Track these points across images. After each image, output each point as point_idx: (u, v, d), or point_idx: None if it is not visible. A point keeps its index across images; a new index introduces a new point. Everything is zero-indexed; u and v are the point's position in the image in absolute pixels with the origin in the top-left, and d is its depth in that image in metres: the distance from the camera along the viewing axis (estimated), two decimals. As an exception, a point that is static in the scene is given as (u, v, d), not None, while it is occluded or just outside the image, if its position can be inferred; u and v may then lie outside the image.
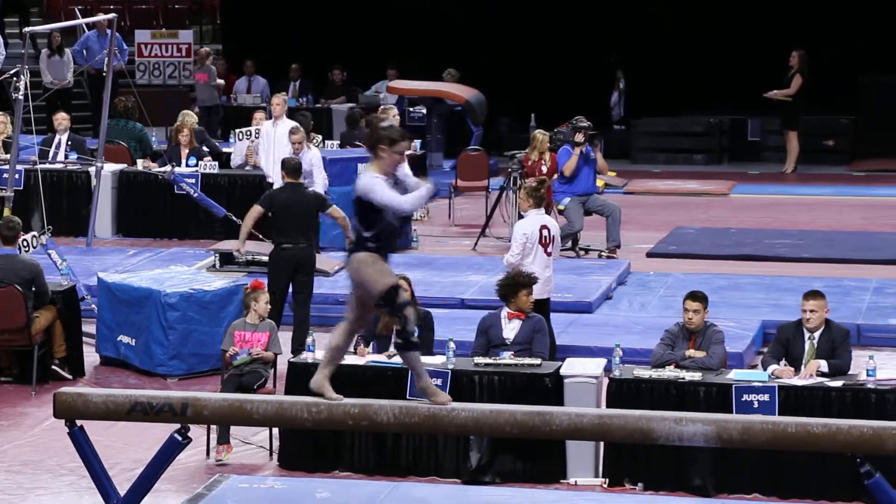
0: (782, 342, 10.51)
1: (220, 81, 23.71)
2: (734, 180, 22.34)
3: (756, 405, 9.83)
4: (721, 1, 24.82)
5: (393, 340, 7.85)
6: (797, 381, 10.06)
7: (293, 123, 16.56)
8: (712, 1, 24.81)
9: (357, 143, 19.10)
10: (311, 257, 12.85)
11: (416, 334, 7.72)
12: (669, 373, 10.22)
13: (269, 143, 16.56)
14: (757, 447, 7.66)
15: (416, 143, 19.19)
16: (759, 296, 14.49)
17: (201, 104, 22.95)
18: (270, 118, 16.99)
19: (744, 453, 9.67)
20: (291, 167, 13.12)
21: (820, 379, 10.10)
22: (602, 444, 10.08)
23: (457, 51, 23.64)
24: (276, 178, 15.24)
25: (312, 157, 15.53)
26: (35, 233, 13.19)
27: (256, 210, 12.91)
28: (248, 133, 17.51)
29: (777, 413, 9.71)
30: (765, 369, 10.35)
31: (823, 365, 10.22)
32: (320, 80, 24.42)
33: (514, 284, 10.99)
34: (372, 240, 7.64)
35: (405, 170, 7.87)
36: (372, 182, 7.62)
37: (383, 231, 7.68)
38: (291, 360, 10.69)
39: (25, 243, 12.73)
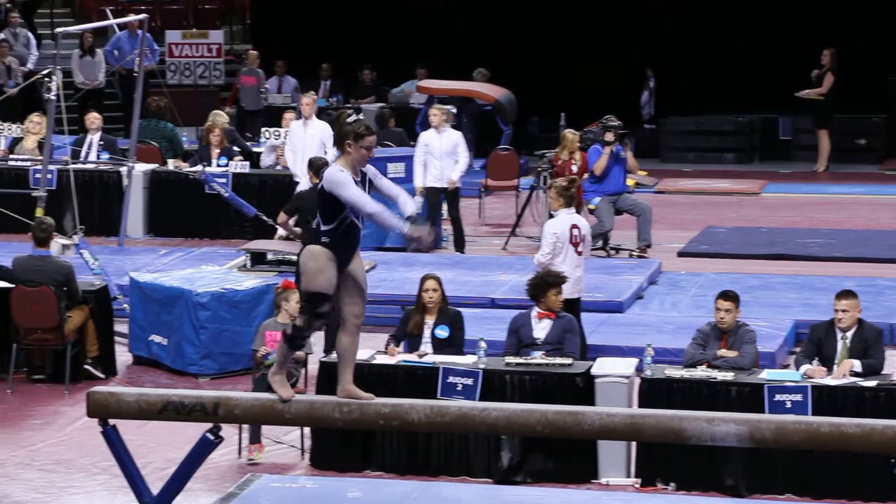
0: (815, 342, 10.47)
1: (268, 86, 23.73)
2: (765, 179, 22.27)
3: (789, 405, 9.79)
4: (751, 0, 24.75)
5: (286, 332, 7.79)
6: (830, 381, 10.03)
7: (323, 123, 16.59)
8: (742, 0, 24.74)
9: (387, 142, 19.10)
10: None
11: (305, 341, 7.73)
12: (701, 373, 10.19)
13: (298, 142, 16.59)
14: (790, 447, 7.64)
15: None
16: (791, 295, 14.45)
17: (245, 107, 22.93)
18: (300, 118, 17.00)
19: (777, 453, 9.64)
20: (318, 167, 13.14)
21: (853, 379, 10.06)
22: (634, 444, 10.06)
23: (487, 50, 23.62)
24: (303, 178, 15.28)
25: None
26: (67, 241, 13.24)
27: (283, 217, 12.95)
28: (278, 134, 17.53)
29: (810, 413, 9.67)
30: (797, 369, 10.31)
31: (857, 365, 10.18)
32: (350, 79, 24.44)
33: (543, 284, 10.98)
34: (327, 234, 7.50)
35: (381, 179, 7.75)
36: (339, 176, 7.47)
37: (342, 227, 7.51)
38: (323, 359, 10.70)
39: (64, 248, 12.84)
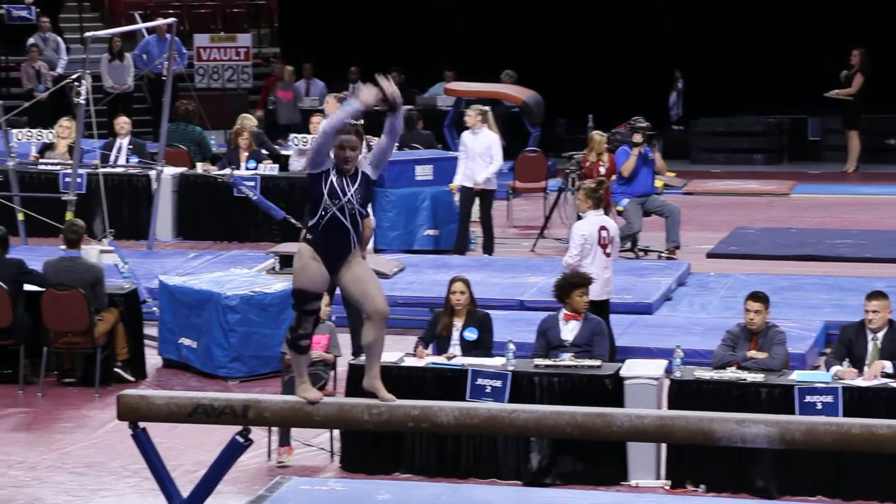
0: (845, 343, 10.43)
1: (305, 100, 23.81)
2: (795, 180, 22.20)
3: (819, 406, 9.75)
4: (780, 0, 24.67)
5: (284, 336, 7.79)
6: (861, 382, 9.99)
7: None
8: (771, 0, 24.66)
9: (415, 144, 19.12)
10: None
11: (305, 339, 7.63)
12: (731, 374, 10.16)
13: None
14: (821, 449, 7.62)
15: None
16: (821, 296, 14.40)
17: (280, 122, 22.93)
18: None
19: (807, 455, 9.60)
20: None
21: (884, 380, 10.02)
22: (664, 445, 10.04)
23: (514, 52, 23.61)
24: None
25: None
26: (105, 247, 13.29)
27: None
28: (306, 140, 17.49)
29: (841, 415, 9.63)
30: (828, 370, 10.27)
31: (888, 366, 10.13)
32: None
33: (567, 285, 10.97)
34: (310, 230, 7.51)
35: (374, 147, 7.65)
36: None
37: (322, 223, 7.46)
38: (352, 362, 10.71)
39: (101, 253, 12.92)
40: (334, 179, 7.46)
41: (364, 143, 7.64)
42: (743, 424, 7.33)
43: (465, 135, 16.80)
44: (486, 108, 17.18)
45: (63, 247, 13.07)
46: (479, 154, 16.50)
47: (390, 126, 7.43)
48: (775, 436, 7.31)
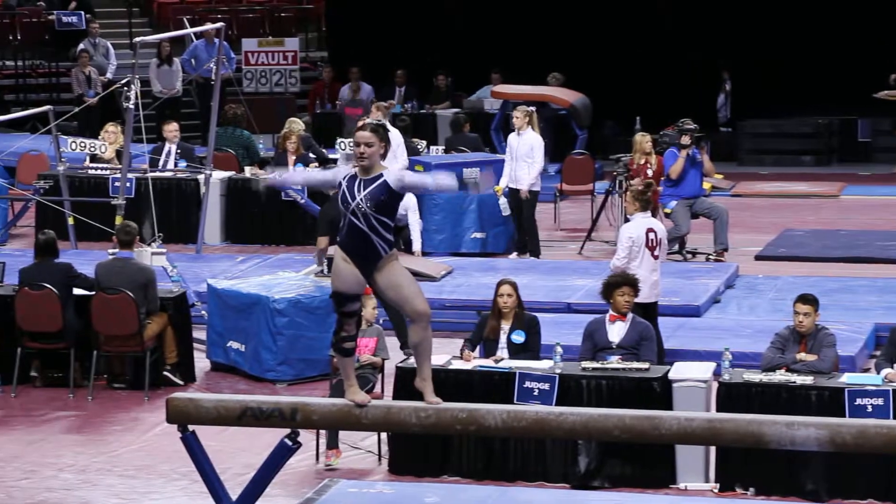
0: (895, 345, 10.36)
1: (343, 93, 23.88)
2: (844, 181, 22.07)
3: (870, 409, 9.69)
4: (828, 0, 24.54)
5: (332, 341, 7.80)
6: (911, 385, 9.92)
7: (395, 131, 16.59)
8: (819, 0, 24.54)
9: (462, 147, 19.12)
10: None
11: (348, 343, 7.62)
12: (780, 377, 10.11)
13: None
14: (871, 451, 7.56)
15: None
16: (870, 298, 14.31)
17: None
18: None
19: (858, 458, 9.54)
20: None
21: (934, 382, 9.94)
22: (712, 448, 10.00)
23: (562, 54, 23.57)
24: None
25: (408, 203, 15.76)
26: (157, 249, 13.38)
27: (323, 241, 13.06)
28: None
29: (892, 417, 9.57)
30: (878, 373, 10.21)
31: (938, 368, 10.06)
32: (425, 85, 24.48)
33: (608, 285, 10.97)
34: (340, 233, 7.57)
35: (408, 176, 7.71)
36: (337, 169, 7.64)
37: (345, 227, 7.48)
38: (399, 364, 10.72)
39: (153, 256, 13.02)
40: (345, 185, 7.49)
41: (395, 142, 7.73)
42: (793, 427, 7.29)
43: (511, 136, 16.85)
44: (532, 108, 17.16)
45: (112, 249, 13.16)
46: (523, 155, 16.50)
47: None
48: (825, 439, 7.27)
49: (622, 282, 10.95)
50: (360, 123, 7.66)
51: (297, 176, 8.35)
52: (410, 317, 7.62)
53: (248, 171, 18.04)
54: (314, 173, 7.63)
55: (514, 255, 16.73)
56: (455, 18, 25.34)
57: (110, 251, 13.28)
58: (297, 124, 18.18)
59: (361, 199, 7.41)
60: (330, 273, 7.57)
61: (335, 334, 7.66)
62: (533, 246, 16.73)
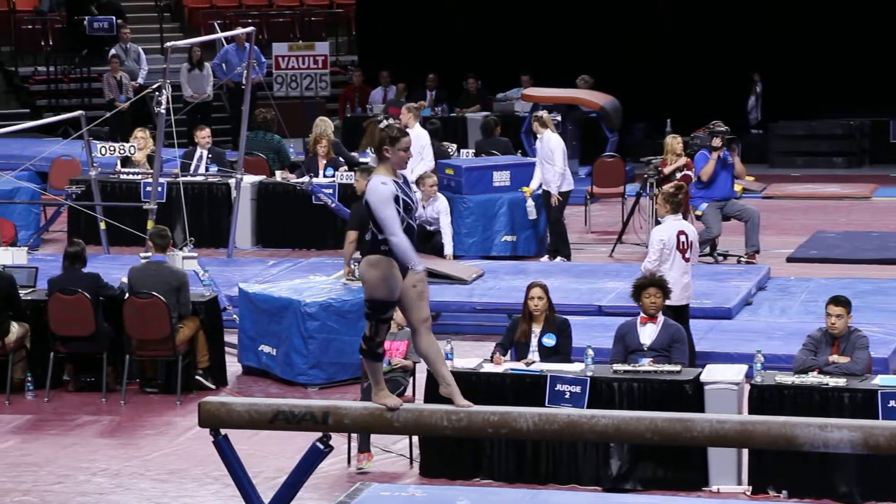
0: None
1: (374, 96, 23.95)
2: (876, 183, 21.99)
3: (902, 411, 9.65)
4: (859, 1, 24.44)
5: (360, 345, 7.75)
6: (944, 387, 9.87)
7: (420, 130, 16.59)
8: (849, 1, 24.44)
9: (493, 151, 19.11)
10: None
11: (381, 347, 7.66)
12: (813, 379, 10.08)
13: None
14: (904, 454, 7.53)
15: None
16: (903, 300, 14.25)
17: None
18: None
19: (891, 460, 9.50)
20: (365, 172, 13.49)
21: (968, 384, 9.89)
22: (745, 451, 9.97)
23: (592, 56, 23.54)
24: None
25: (440, 207, 15.82)
26: (189, 253, 13.42)
27: (352, 234, 13.05)
28: None
29: (924, 419, 9.52)
30: (911, 375, 10.17)
31: (972, 370, 10.02)
32: (455, 89, 24.48)
33: (636, 287, 10.96)
34: (385, 242, 7.49)
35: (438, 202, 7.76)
36: (381, 191, 7.45)
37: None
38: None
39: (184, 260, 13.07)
40: (401, 195, 7.49)
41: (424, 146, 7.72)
42: (826, 429, 7.27)
43: (536, 143, 16.94)
44: (542, 112, 17.23)
45: (144, 254, 13.22)
46: (545, 158, 16.56)
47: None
48: (859, 441, 7.24)
49: (648, 283, 10.94)
50: (398, 129, 7.60)
51: (397, 237, 7.45)
52: (414, 322, 7.60)
53: (279, 176, 18.07)
54: (393, 223, 7.35)
55: (544, 258, 16.72)
56: (484, 21, 25.33)
57: (143, 255, 13.34)
58: (326, 123, 18.19)
59: (415, 199, 7.59)
60: (369, 279, 7.51)
61: (370, 339, 7.65)
62: (563, 248, 16.71)
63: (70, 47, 25.11)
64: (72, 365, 12.59)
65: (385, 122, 7.66)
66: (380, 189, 7.46)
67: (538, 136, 16.73)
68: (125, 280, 12.58)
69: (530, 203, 16.94)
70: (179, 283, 12.35)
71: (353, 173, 17.70)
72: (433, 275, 14.64)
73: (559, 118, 21.72)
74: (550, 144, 16.56)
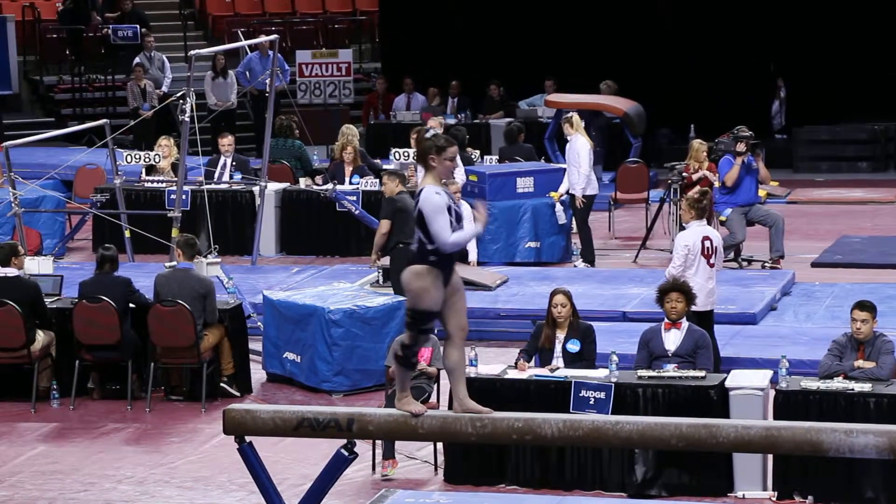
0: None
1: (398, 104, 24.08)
2: (901, 188, 21.93)
3: (929, 416, 9.62)
4: (883, 4, 24.37)
5: (394, 352, 7.73)
6: (971, 392, 9.83)
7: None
8: (873, 5, 24.37)
9: (516, 157, 19.11)
10: None
11: (416, 356, 7.66)
12: (838, 384, 10.05)
13: None
14: (931, 459, 7.49)
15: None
16: (929, 305, 14.19)
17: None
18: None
19: (917, 466, 9.47)
20: (399, 176, 14.02)
21: None
22: (770, 456, 9.95)
23: (615, 62, 23.53)
24: None
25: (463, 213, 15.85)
26: (213, 259, 13.46)
27: (385, 224, 13.34)
28: (407, 154, 17.49)
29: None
30: (937, 380, 10.12)
31: None
32: (478, 95, 24.49)
33: (659, 292, 10.94)
34: (433, 253, 7.46)
35: (463, 208, 7.77)
36: (435, 200, 7.44)
37: None
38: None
39: (208, 266, 13.11)
40: (452, 203, 7.50)
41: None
42: (851, 435, 7.24)
43: (566, 146, 16.99)
44: (571, 112, 17.26)
45: (169, 263, 13.25)
46: (571, 161, 16.63)
47: None
48: (885, 446, 7.21)
49: (670, 288, 10.92)
50: (445, 139, 7.58)
51: (462, 238, 7.52)
52: (452, 331, 7.57)
53: (303, 183, 18.09)
54: (449, 229, 7.53)
55: (579, 263, 16.71)
56: (507, 27, 25.33)
57: (168, 263, 13.38)
58: (353, 132, 18.21)
59: (461, 208, 7.57)
60: (414, 289, 7.48)
61: (406, 349, 7.64)
62: (587, 253, 16.70)
63: (95, 56, 25.20)
64: (97, 373, 12.63)
65: (431, 132, 7.67)
66: (434, 199, 7.45)
67: (567, 137, 16.78)
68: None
69: (559, 207, 16.96)
70: (206, 290, 12.38)
71: (377, 180, 17.75)
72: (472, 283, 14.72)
73: (583, 124, 21.73)
74: (577, 146, 16.58)
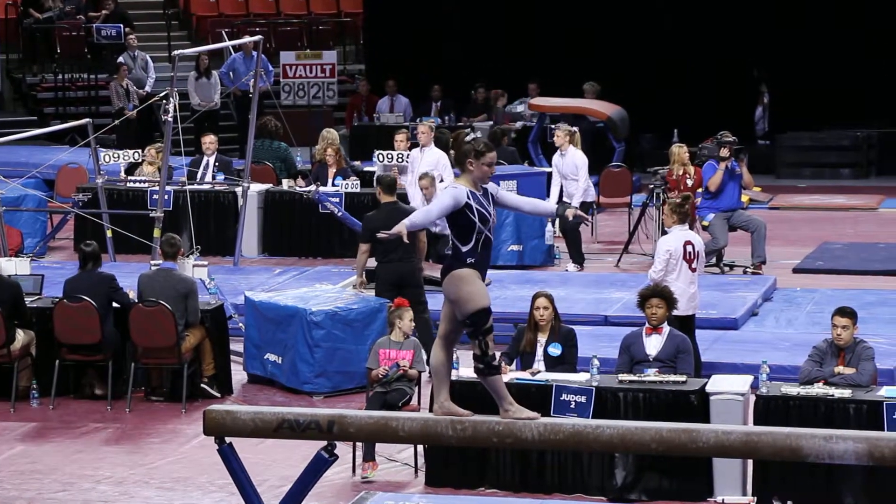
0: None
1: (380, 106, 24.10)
2: (883, 195, 21.96)
3: (908, 423, 9.64)
4: (867, 11, 24.43)
5: (474, 366, 7.68)
6: (950, 399, 9.86)
7: (439, 152, 16.60)
8: (858, 12, 24.43)
9: (500, 160, 19.10)
10: (414, 271, 12.89)
11: (496, 359, 7.63)
12: (818, 390, 10.07)
13: (416, 169, 16.54)
14: (910, 465, 7.51)
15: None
16: (909, 311, 14.24)
17: None
18: (415, 142, 17.17)
19: (896, 472, 9.49)
20: (387, 184, 13.26)
21: (974, 396, 9.88)
22: (750, 461, 9.97)
23: (599, 68, 23.53)
24: (417, 203, 15.55)
25: None
26: (199, 262, 13.42)
27: (363, 247, 13.04)
28: (391, 156, 17.45)
29: (930, 431, 9.51)
30: (917, 386, 10.15)
31: (977, 381, 10.00)
32: (463, 97, 24.48)
33: (640, 297, 10.96)
34: (470, 254, 7.52)
35: (503, 193, 7.78)
36: (448, 191, 7.54)
37: (479, 243, 7.53)
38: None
39: (194, 268, 13.08)
40: (475, 205, 7.50)
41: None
42: (831, 441, 7.26)
43: (555, 156, 17.09)
44: (574, 129, 17.33)
45: (153, 262, 13.22)
46: (570, 173, 16.71)
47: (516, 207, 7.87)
48: (864, 452, 7.23)
49: (651, 294, 10.94)
50: (484, 143, 7.67)
51: (428, 216, 7.70)
52: (445, 333, 7.58)
53: (286, 184, 18.08)
54: (436, 207, 7.51)
55: (571, 266, 16.74)
56: (491, 30, 25.33)
57: (153, 263, 13.36)
58: (332, 135, 18.20)
59: (492, 212, 7.59)
60: (463, 296, 7.46)
61: (483, 356, 7.54)
62: (577, 256, 16.78)
63: (78, 55, 25.14)
64: (94, 370, 12.56)
65: (472, 136, 7.69)
66: (448, 190, 7.56)
67: (561, 150, 16.82)
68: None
69: (549, 228, 16.98)
70: (188, 290, 12.36)
71: (358, 182, 17.73)
72: (439, 283, 14.68)
73: (575, 130, 21.75)
74: (576, 160, 16.80)
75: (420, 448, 10.63)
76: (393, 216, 12.78)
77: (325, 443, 7.74)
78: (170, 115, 14.74)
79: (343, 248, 17.46)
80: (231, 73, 23.21)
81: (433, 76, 24.47)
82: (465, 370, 10.58)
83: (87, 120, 16.73)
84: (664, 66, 24.47)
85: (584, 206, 16.70)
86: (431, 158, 16.55)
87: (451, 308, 7.60)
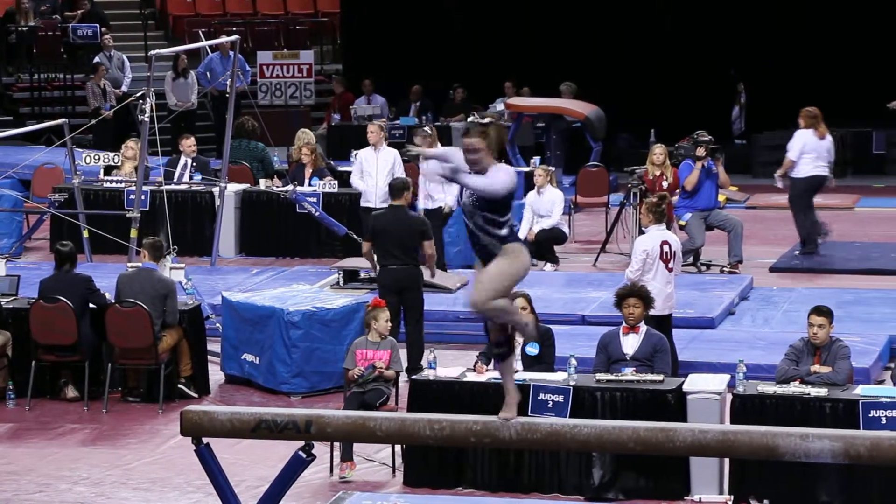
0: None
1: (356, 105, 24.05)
2: (858, 194, 22.03)
3: (884, 421, 9.68)
4: (843, 12, 24.51)
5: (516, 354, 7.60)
6: (926, 397, 9.89)
7: (393, 151, 16.48)
8: (834, 12, 24.51)
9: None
10: (416, 277, 12.85)
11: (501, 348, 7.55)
12: (794, 388, 10.10)
13: (371, 168, 16.36)
14: (886, 464, 7.54)
15: (535, 159, 19.28)
16: (885, 310, 14.28)
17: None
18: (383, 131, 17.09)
19: (872, 470, 9.53)
20: (395, 188, 13.16)
21: (949, 394, 9.92)
22: (727, 460, 9.99)
23: (576, 67, 23.56)
24: (373, 202, 15.67)
25: None
26: (177, 265, 13.40)
27: (365, 246, 12.99)
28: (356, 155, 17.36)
29: (906, 429, 9.55)
30: (893, 384, 10.19)
31: (953, 380, 10.04)
32: (440, 97, 24.48)
33: (617, 297, 10.98)
34: (514, 231, 7.35)
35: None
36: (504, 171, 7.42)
37: (467, 231, 7.38)
38: (414, 377, 10.73)
39: (172, 270, 13.04)
40: (463, 193, 7.39)
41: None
42: (807, 439, 7.28)
43: (531, 194, 16.96)
44: (553, 168, 17.41)
45: (129, 263, 13.19)
46: (544, 211, 16.70)
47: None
48: (840, 451, 7.25)
49: (628, 293, 10.96)
50: (463, 129, 7.42)
51: (441, 169, 7.39)
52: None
53: (263, 184, 18.05)
54: (447, 160, 7.23)
55: (547, 266, 16.73)
56: (469, 30, 25.34)
57: (131, 264, 13.33)
58: (308, 136, 18.17)
59: (467, 199, 7.32)
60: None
61: (495, 345, 7.48)
62: (551, 256, 16.80)
63: (54, 55, 25.06)
64: (70, 371, 12.52)
65: (473, 118, 7.55)
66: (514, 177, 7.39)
67: (539, 188, 16.78)
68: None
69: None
70: (168, 291, 12.34)
71: (335, 182, 17.71)
72: (444, 288, 14.71)
73: (543, 127, 21.79)
74: (554, 199, 16.80)
75: (398, 448, 10.63)
76: (399, 217, 12.82)
77: (302, 443, 7.73)
78: (146, 115, 14.70)
79: (320, 249, 17.45)
80: (208, 73, 23.18)
81: (411, 76, 24.46)
82: (443, 370, 10.60)
83: (64, 120, 16.68)
84: (641, 65, 24.51)
85: (548, 234, 16.64)
86: (388, 156, 16.33)
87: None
